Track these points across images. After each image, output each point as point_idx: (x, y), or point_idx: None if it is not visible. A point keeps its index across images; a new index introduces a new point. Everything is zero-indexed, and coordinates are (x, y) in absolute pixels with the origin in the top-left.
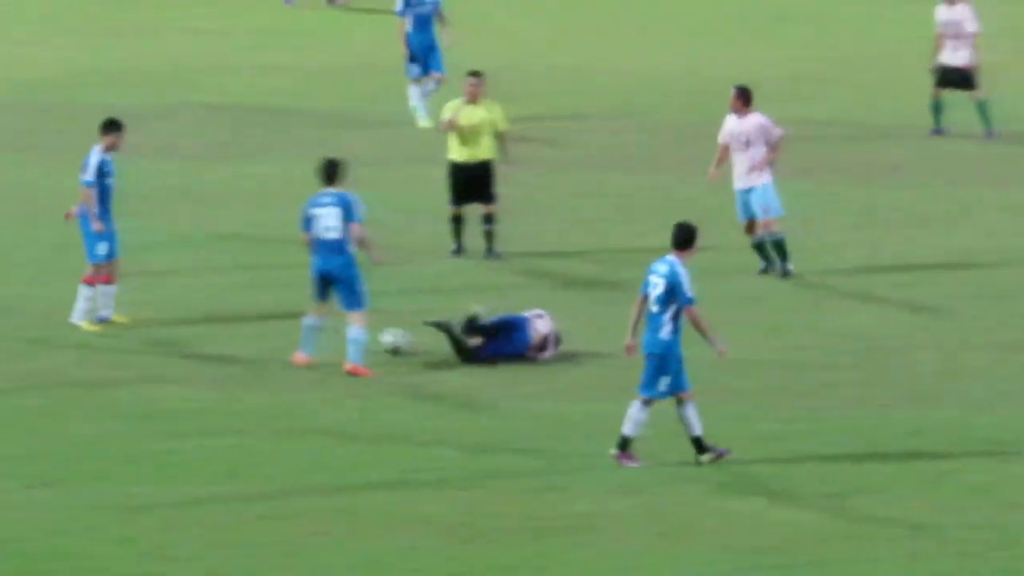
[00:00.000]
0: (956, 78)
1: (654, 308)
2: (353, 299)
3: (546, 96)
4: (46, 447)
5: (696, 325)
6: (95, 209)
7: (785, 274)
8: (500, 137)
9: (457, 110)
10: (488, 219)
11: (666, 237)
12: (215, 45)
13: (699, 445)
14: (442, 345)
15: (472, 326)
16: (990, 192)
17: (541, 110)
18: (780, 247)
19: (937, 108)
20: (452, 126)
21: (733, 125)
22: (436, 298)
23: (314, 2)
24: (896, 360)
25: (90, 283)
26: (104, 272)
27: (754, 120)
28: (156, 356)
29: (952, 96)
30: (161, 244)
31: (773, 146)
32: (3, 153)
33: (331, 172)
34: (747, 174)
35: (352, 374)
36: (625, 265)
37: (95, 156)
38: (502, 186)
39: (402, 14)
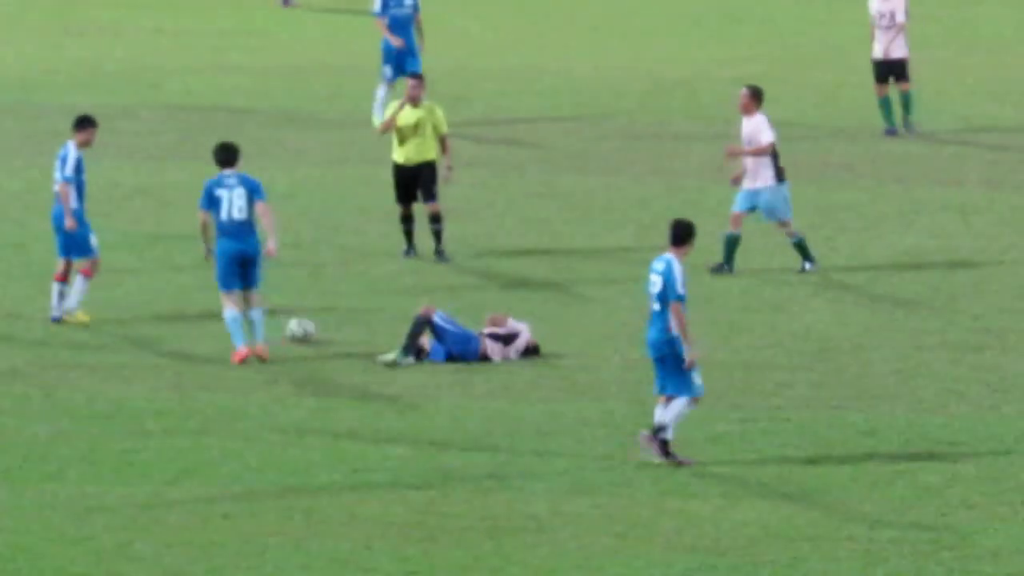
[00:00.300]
0: (892, 70)
1: (656, 306)
2: (256, 277)
3: (498, 97)
4: (2, 446)
5: (678, 322)
6: (73, 205)
7: (801, 270)
8: (442, 140)
9: (396, 111)
10: (434, 219)
11: (620, 237)
12: (176, 45)
13: (664, 445)
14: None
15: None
16: (941, 192)
17: (493, 111)
18: (800, 247)
19: (885, 105)
20: (389, 127)
21: (742, 125)
22: (389, 298)
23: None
24: (850, 360)
25: (88, 275)
26: (87, 266)
27: (755, 121)
28: (113, 355)
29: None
30: (121, 243)
31: (755, 148)
32: None
33: (230, 155)
34: (752, 175)
35: (261, 357)
36: (578, 266)
37: (73, 152)
38: (455, 186)
39: (380, 15)
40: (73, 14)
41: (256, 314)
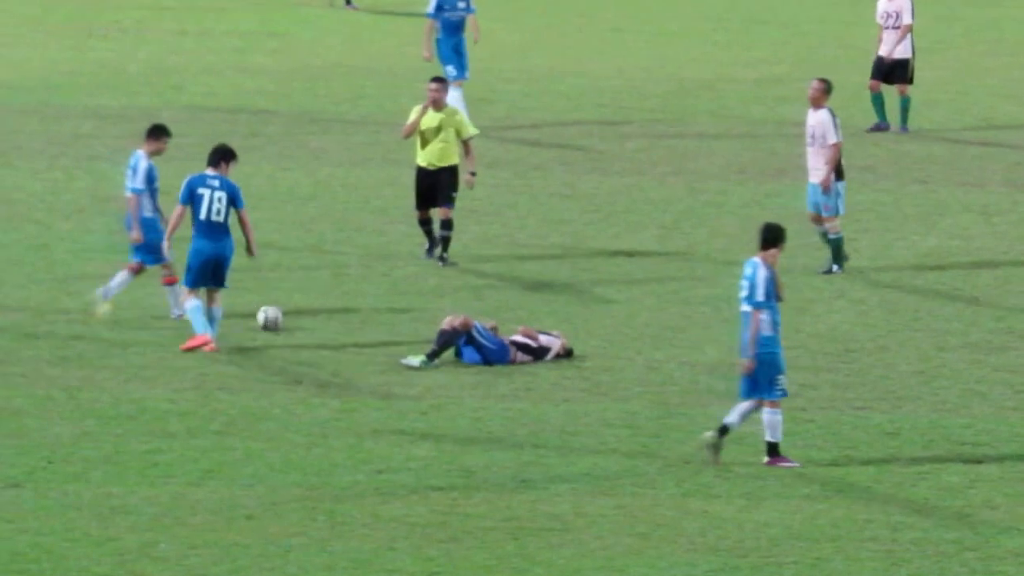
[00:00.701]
0: (893, 70)
1: (746, 308)
2: (225, 278)
3: (521, 98)
4: (25, 447)
5: (752, 328)
6: (146, 215)
7: (827, 271)
8: (465, 144)
9: (419, 115)
10: (445, 224)
11: (642, 238)
12: (199, 47)
13: (773, 448)
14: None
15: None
16: (963, 193)
17: (516, 112)
18: (834, 245)
19: (877, 100)
20: (411, 131)
21: (808, 117)
22: (412, 299)
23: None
24: (873, 361)
25: (171, 283)
26: (168, 273)
27: (820, 116)
28: (137, 356)
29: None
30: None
31: (830, 159)
32: None
33: (221, 156)
34: (811, 169)
35: (213, 350)
36: (600, 266)
37: (143, 162)
38: (478, 187)
39: (433, 16)
40: (96, 16)
41: (216, 312)
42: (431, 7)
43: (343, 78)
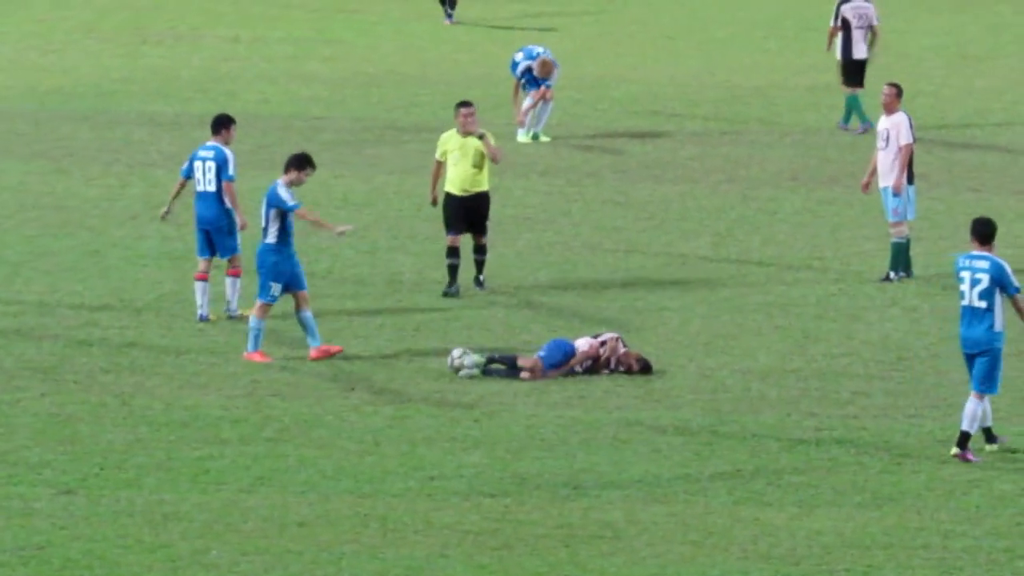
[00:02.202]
0: (860, 69)
1: (980, 303)
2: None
3: (574, 105)
4: (79, 453)
5: (1021, 313)
6: (228, 205)
7: (884, 279)
8: (493, 158)
9: (451, 142)
10: (479, 249)
11: (695, 245)
12: (253, 54)
13: (988, 435)
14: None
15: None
16: (1016, 201)
17: (570, 119)
18: (895, 251)
19: (854, 103)
20: (438, 170)
21: (880, 122)
22: (465, 306)
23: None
24: (926, 369)
25: (237, 275)
26: (234, 267)
27: (896, 119)
28: (190, 363)
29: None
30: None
31: (902, 160)
32: (41, 161)
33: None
34: (884, 172)
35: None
36: (654, 274)
37: (230, 153)
38: (532, 194)
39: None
40: (150, 23)
41: (305, 317)
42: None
43: (397, 86)
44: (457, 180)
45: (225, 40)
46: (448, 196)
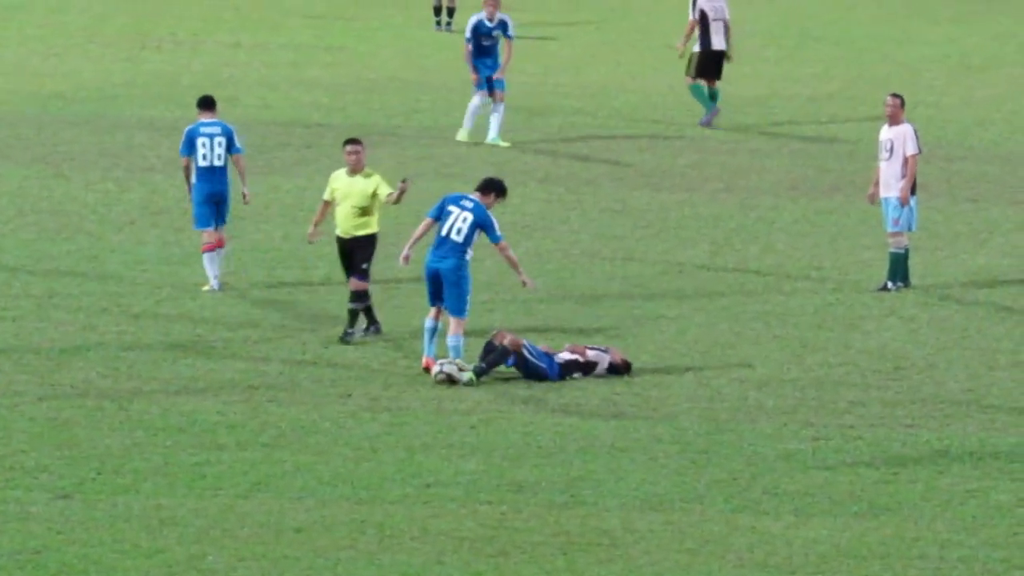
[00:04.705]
0: (717, 60)
1: None
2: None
3: (573, 113)
4: (76, 458)
5: None
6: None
7: (882, 288)
8: (387, 199)
9: (338, 181)
10: (352, 296)
11: (693, 254)
12: (254, 60)
13: None
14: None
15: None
16: (1015, 211)
17: (569, 127)
18: (893, 261)
19: (700, 92)
20: (323, 211)
21: (882, 132)
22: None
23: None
24: (923, 379)
25: (221, 246)
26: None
27: (901, 129)
28: (187, 368)
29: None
30: (194, 256)
31: (908, 172)
32: (40, 165)
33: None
34: (886, 183)
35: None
36: (652, 282)
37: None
38: (530, 201)
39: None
40: (151, 28)
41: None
42: (468, 32)
43: (397, 92)
44: (339, 221)
45: (226, 46)
46: (336, 237)
